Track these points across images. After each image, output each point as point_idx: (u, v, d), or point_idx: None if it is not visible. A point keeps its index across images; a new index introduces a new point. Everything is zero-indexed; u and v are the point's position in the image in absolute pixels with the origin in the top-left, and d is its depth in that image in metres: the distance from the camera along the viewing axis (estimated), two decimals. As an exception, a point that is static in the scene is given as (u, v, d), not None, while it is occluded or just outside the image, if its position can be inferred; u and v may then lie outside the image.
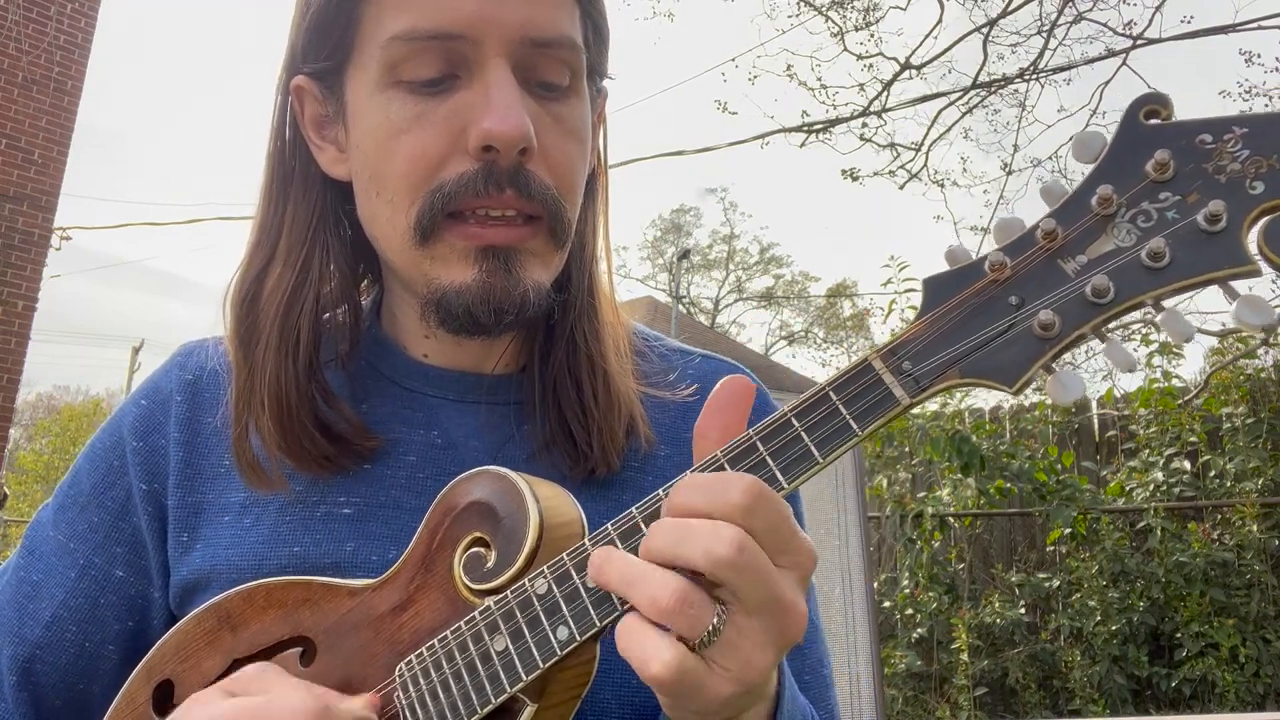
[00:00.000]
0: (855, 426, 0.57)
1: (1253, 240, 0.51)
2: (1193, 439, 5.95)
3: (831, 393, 0.58)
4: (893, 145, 8.60)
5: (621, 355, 0.90)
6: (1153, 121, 0.55)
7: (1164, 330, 0.53)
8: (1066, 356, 0.55)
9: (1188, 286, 0.52)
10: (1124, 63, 7.52)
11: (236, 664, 0.74)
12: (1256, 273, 0.51)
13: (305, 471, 0.82)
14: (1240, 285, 0.51)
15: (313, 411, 0.82)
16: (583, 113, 0.82)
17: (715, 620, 0.55)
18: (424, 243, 0.77)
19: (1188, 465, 5.91)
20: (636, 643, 0.56)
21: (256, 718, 0.63)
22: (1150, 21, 7.42)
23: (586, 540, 0.62)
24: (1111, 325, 0.54)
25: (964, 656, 5.78)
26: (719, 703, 0.57)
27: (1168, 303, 0.53)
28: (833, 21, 8.70)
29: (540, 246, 0.79)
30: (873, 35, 8.66)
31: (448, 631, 0.66)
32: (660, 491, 0.60)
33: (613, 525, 0.61)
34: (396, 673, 0.68)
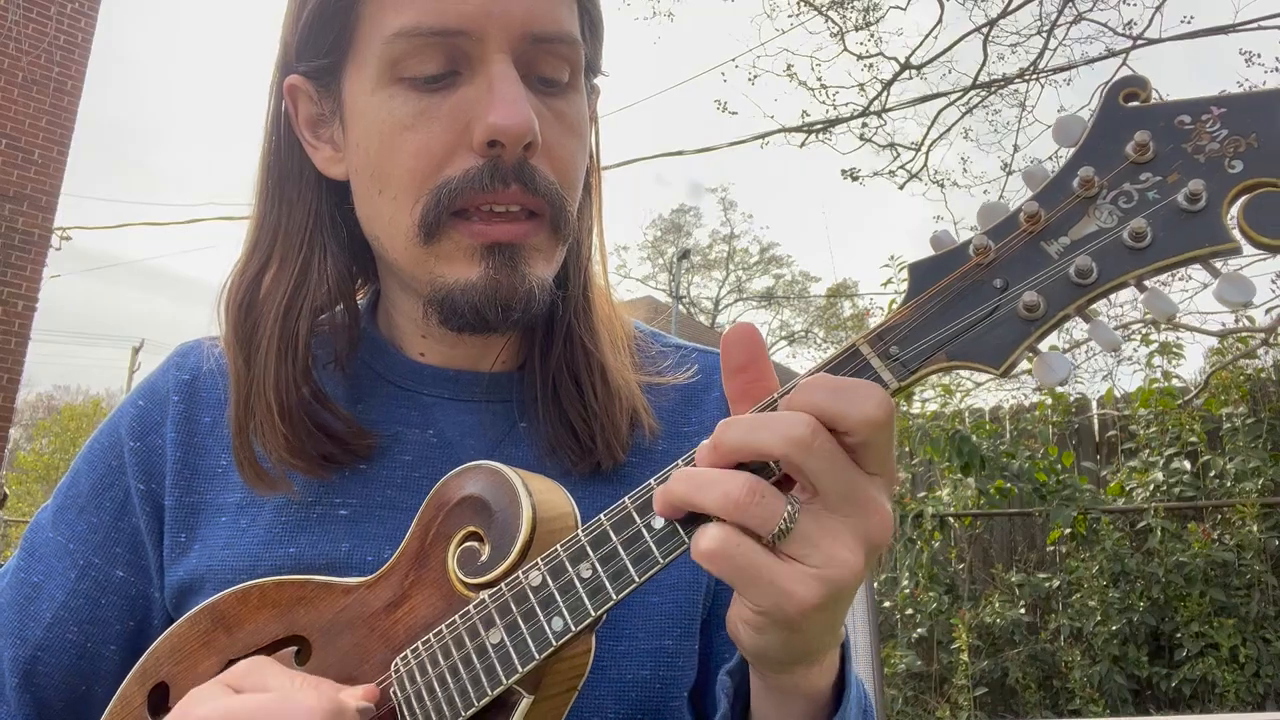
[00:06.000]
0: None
1: (1232, 218, 0.51)
2: (1193, 439, 5.94)
3: (820, 379, 0.58)
4: (893, 145, 8.59)
5: (619, 349, 0.90)
6: (1132, 104, 0.56)
7: (1147, 309, 0.53)
8: (1052, 338, 0.55)
9: (1170, 265, 0.52)
10: (1124, 63, 7.51)
11: (232, 664, 0.74)
12: (1237, 250, 0.51)
13: (307, 474, 0.83)
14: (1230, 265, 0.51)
15: (310, 415, 0.82)
16: (581, 108, 0.82)
17: (788, 509, 0.54)
18: (428, 241, 0.77)
19: (1188, 465, 5.89)
20: (694, 540, 0.56)
21: (268, 716, 0.62)
22: (1150, 21, 7.41)
23: (580, 532, 0.62)
24: (1095, 305, 0.54)
25: (964, 656, 5.78)
26: (809, 608, 0.54)
27: (1150, 282, 0.54)
28: (833, 21, 8.69)
29: (543, 242, 0.79)
30: (873, 35, 8.65)
31: (443, 626, 0.66)
32: (653, 481, 0.60)
33: (605, 515, 0.61)
34: (392, 669, 0.68)
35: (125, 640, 0.86)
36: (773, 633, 0.57)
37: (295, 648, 0.73)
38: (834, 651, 0.65)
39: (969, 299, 0.57)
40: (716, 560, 0.54)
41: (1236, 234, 0.51)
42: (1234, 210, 0.51)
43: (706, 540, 0.55)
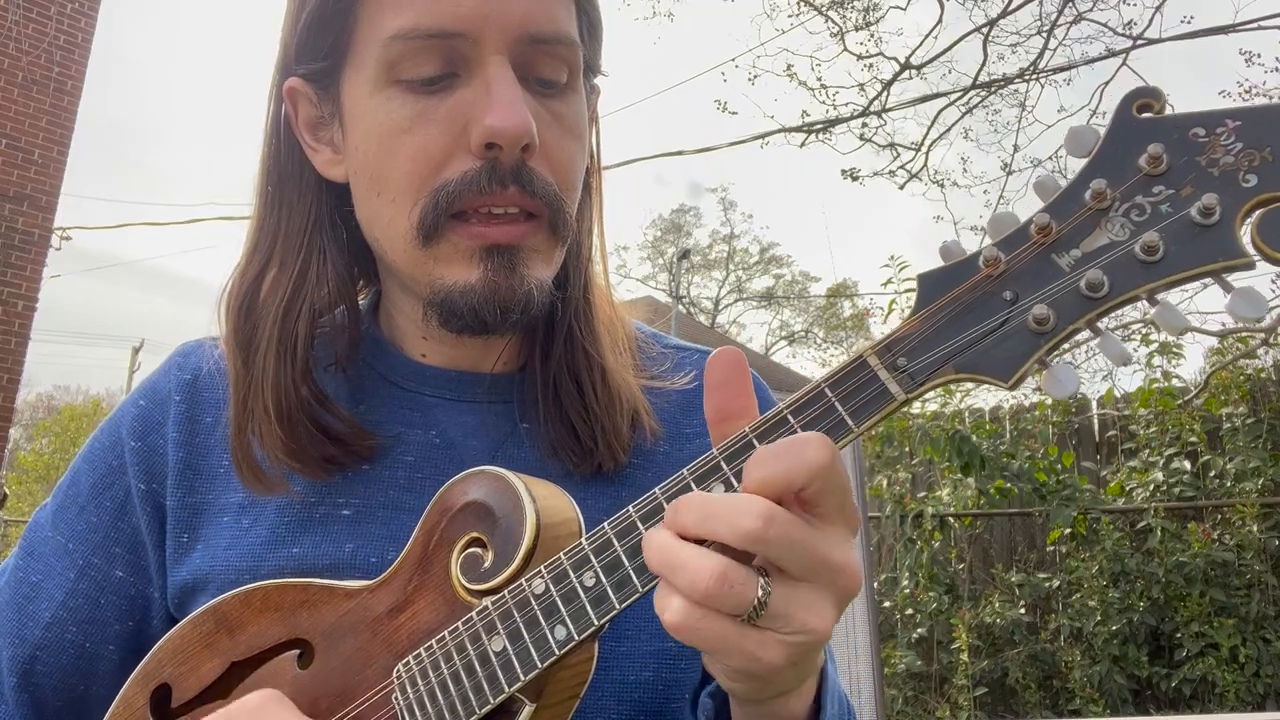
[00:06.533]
0: (851, 423, 0.57)
1: (1246, 233, 0.51)
2: (1193, 439, 5.95)
3: (827, 389, 0.58)
4: (893, 145, 8.61)
5: (620, 351, 0.90)
6: (1146, 115, 0.55)
7: (1158, 323, 0.52)
8: (1062, 350, 0.55)
9: (1182, 280, 0.52)
10: (1124, 63, 7.53)
11: (234, 666, 0.75)
12: (1250, 265, 0.51)
13: (307, 475, 0.82)
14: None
15: (310, 416, 0.81)
16: (580, 109, 0.82)
17: (760, 594, 0.53)
18: (427, 243, 0.77)
19: (1188, 465, 5.90)
20: (657, 598, 0.56)
21: None
22: (1150, 21, 7.43)
23: (584, 539, 0.62)
24: (1106, 319, 0.54)
25: (964, 656, 5.79)
26: (778, 669, 0.55)
27: (1162, 296, 0.53)
28: (833, 21, 8.70)
29: (542, 243, 0.79)
30: (873, 35, 8.67)
31: (445, 632, 0.66)
32: (657, 490, 0.60)
33: (609, 524, 0.61)
34: (394, 674, 0.68)
35: (124, 640, 0.86)
36: (742, 681, 0.58)
37: (298, 651, 0.73)
38: (811, 680, 0.65)
39: (978, 311, 0.56)
40: (682, 633, 0.54)
41: (1250, 249, 0.51)
42: (1248, 224, 0.51)
43: (670, 614, 0.54)
